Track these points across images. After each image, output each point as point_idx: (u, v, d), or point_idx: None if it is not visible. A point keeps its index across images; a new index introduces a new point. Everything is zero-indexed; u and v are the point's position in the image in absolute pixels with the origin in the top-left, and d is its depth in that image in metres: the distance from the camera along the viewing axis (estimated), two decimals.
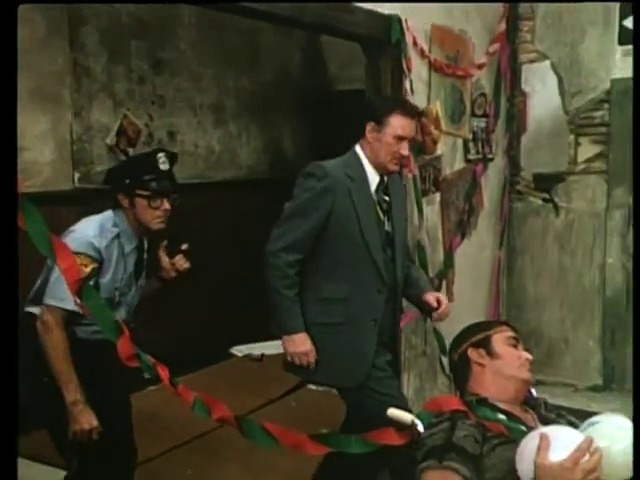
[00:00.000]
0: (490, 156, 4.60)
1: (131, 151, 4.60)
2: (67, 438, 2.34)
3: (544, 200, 4.83)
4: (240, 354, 5.27)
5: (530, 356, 2.05)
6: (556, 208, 4.80)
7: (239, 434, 2.03)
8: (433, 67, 3.88)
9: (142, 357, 1.72)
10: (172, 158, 2.58)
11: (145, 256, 2.67)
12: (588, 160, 4.66)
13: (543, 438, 1.58)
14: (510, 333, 2.09)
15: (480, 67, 4.33)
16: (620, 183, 4.56)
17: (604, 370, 4.71)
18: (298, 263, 2.65)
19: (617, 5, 4.42)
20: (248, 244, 5.31)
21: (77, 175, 4.26)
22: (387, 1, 3.45)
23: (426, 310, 2.92)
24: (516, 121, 4.83)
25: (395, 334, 3.01)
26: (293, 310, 2.67)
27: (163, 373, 1.76)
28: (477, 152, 4.46)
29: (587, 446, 1.55)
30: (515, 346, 2.05)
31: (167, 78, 4.93)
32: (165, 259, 2.74)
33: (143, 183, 2.47)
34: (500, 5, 4.58)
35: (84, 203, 4.00)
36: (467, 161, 4.36)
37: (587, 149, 4.67)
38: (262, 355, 5.23)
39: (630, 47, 4.40)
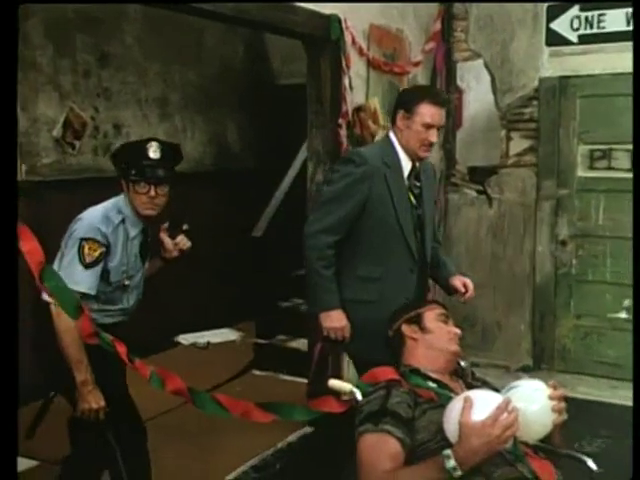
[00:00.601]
0: None
1: (77, 144, 4.66)
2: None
3: (478, 192, 5.07)
4: (186, 342, 5.39)
5: (459, 331, 2.25)
6: (489, 199, 5.04)
7: (188, 418, 2.16)
8: (371, 64, 4.05)
9: (101, 335, 1.84)
10: (167, 148, 2.63)
11: (149, 239, 2.76)
12: (519, 154, 4.92)
13: (467, 400, 1.76)
14: (440, 310, 2.29)
15: (416, 65, 4.53)
16: (548, 176, 4.82)
17: (534, 352, 4.99)
18: (336, 244, 2.78)
19: (544, 8, 4.68)
20: (194, 236, 5.43)
21: (24, 168, 4.31)
22: (327, 1, 3.61)
23: (451, 292, 3.09)
24: (451, 116, 5.05)
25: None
26: (330, 288, 2.79)
27: (121, 349, 1.88)
28: None
29: (505, 406, 1.74)
30: (445, 322, 2.26)
31: (113, 72, 4.99)
32: (168, 240, 2.84)
33: (132, 169, 2.56)
34: (435, 6, 4.80)
35: (32, 195, 4.07)
36: None
37: (518, 143, 4.92)
38: (208, 343, 5.36)
39: (556, 48, 4.68)
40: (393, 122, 2.90)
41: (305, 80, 3.86)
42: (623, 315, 4.73)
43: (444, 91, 3.05)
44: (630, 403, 4.42)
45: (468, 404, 1.75)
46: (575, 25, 4.61)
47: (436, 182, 3.21)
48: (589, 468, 2.03)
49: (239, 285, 5.50)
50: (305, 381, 3.95)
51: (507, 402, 1.76)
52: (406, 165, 2.88)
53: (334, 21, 3.64)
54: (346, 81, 3.78)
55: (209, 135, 5.92)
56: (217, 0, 2.95)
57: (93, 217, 2.55)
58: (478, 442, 1.70)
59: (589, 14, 4.56)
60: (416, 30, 4.59)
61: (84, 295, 2.44)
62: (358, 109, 3.92)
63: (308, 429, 3.90)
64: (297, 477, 3.50)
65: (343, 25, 3.71)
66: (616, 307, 4.75)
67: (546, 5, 4.67)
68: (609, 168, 4.68)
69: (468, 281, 3.04)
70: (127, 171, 2.57)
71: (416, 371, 2.09)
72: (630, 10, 4.44)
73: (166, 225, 2.85)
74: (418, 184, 2.93)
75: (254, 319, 5.34)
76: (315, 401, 2.15)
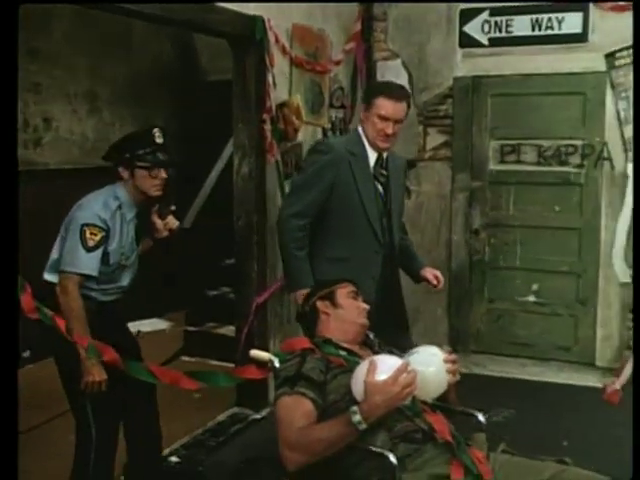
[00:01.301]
0: None
1: None
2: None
3: None
4: None
5: (367, 306, 2.49)
6: (408, 191, 5.28)
7: None
8: (294, 63, 4.25)
9: (42, 310, 2.00)
10: (165, 133, 2.90)
11: (143, 223, 3.00)
12: (435, 148, 5.22)
13: (371, 363, 2.01)
14: (351, 288, 2.53)
15: (337, 63, 4.76)
16: (462, 169, 5.12)
17: (450, 334, 5.30)
18: (307, 227, 3.02)
19: (457, 12, 4.97)
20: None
21: None
22: (250, 1, 3.79)
23: (419, 281, 3.33)
24: None
25: (396, 293, 3.33)
26: (304, 268, 3.03)
27: (60, 322, 2.04)
28: None
29: (404, 368, 1.99)
30: (355, 298, 2.50)
31: (42, 66, 5.06)
32: (158, 221, 3.06)
33: (142, 155, 2.80)
34: (355, 7, 5.04)
35: None
36: None
37: (434, 138, 5.21)
38: (138, 332, 5.47)
39: (469, 50, 4.99)
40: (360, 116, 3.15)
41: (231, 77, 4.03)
42: (532, 298, 5.09)
43: (403, 87, 3.30)
44: (537, 378, 4.81)
45: (372, 366, 1.99)
46: (486, 29, 4.92)
47: (406, 176, 3.45)
48: (479, 421, 2.30)
49: (169, 276, 5.63)
50: (233, 365, 4.14)
51: (406, 364, 2.02)
52: (372, 155, 3.12)
53: (258, 22, 3.82)
54: (270, 78, 3.95)
55: (137, 130, 6.01)
56: (143, 0, 3.10)
57: (93, 204, 2.76)
58: (381, 399, 1.94)
59: (498, 19, 4.88)
60: (337, 30, 4.81)
61: (86, 277, 2.66)
62: (282, 105, 4.12)
63: (236, 409, 4.10)
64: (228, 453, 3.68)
65: (267, 25, 3.89)
66: (525, 291, 5.10)
67: (459, 9, 4.97)
68: (518, 162, 5.02)
69: (438, 273, 3.30)
70: (132, 159, 2.80)
71: (328, 341, 2.33)
72: (535, 16, 4.79)
73: (157, 207, 3.07)
74: (385, 173, 3.16)
75: (184, 309, 5.48)
76: (238, 369, 2.36)
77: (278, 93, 4.08)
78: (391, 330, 3.08)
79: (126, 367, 2.19)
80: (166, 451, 3.59)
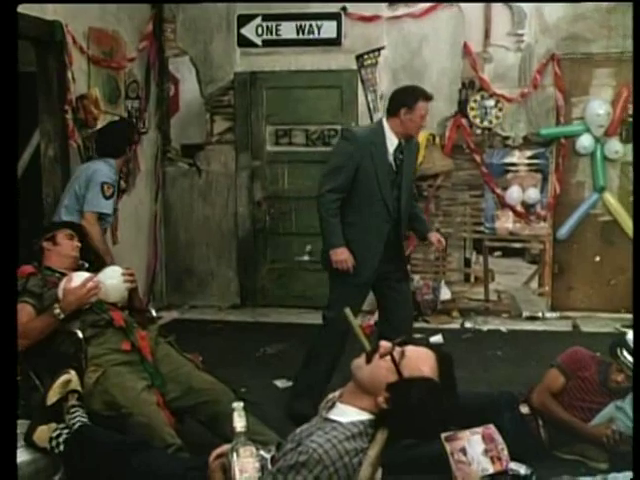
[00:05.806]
0: (143, 130, 5.75)
1: None
2: None
3: (189, 165, 6.14)
4: None
5: (79, 244, 3.49)
6: (199, 171, 6.13)
7: None
8: (91, 60, 4.90)
9: None
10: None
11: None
12: (220, 133, 6.07)
13: (68, 277, 3.11)
14: (68, 232, 3.50)
15: (131, 60, 5.46)
16: (244, 150, 6.02)
17: (241, 292, 6.21)
18: (339, 200, 3.71)
19: (235, 17, 5.84)
20: None
21: None
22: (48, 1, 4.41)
23: (424, 240, 4.15)
24: (166, 103, 6.05)
25: (400, 251, 4.02)
26: (336, 231, 3.74)
27: None
28: None
29: (91, 279, 3.15)
30: (70, 239, 3.48)
31: None
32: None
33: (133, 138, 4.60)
34: (147, 10, 5.75)
35: None
36: None
37: (220, 125, 6.07)
38: None
39: (246, 49, 5.89)
40: (392, 113, 3.77)
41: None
42: (306, 258, 6.05)
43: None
44: (311, 322, 5.78)
45: (69, 278, 3.11)
46: (259, 32, 5.83)
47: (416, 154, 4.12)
48: (154, 316, 3.54)
49: None
50: None
51: (92, 277, 3.15)
52: (392, 143, 3.79)
53: (56, 26, 4.43)
54: (69, 75, 4.57)
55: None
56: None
57: (104, 169, 4.23)
58: (73, 298, 3.09)
59: (269, 24, 5.81)
60: (131, 31, 5.50)
61: (106, 215, 4.20)
62: (82, 97, 4.73)
63: None
64: None
65: (65, 29, 4.51)
66: (301, 252, 6.07)
67: (237, 14, 5.84)
68: (290, 144, 5.98)
69: (441, 238, 4.12)
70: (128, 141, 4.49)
71: (48, 268, 3.33)
72: (299, 23, 5.75)
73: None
74: (401, 157, 3.83)
75: None
76: None
77: (78, 87, 4.70)
78: (394, 276, 3.94)
79: None
80: None
